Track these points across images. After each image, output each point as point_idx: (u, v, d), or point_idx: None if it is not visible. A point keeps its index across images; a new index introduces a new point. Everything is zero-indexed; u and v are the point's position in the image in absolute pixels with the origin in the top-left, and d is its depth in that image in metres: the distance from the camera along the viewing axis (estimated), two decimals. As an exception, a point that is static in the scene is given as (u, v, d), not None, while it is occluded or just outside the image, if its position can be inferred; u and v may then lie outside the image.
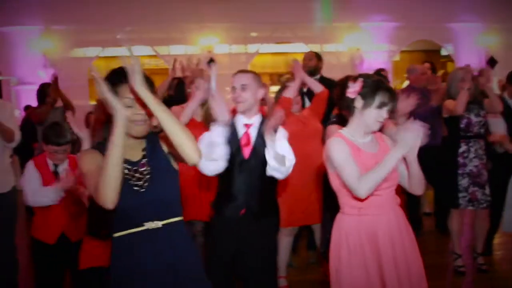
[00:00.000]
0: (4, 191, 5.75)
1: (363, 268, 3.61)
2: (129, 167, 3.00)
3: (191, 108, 5.13)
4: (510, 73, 7.07)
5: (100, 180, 2.74)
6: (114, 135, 2.76)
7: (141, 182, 3.01)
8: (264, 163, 4.23)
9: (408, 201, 8.12)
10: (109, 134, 2.81)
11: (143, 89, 2.79)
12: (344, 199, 3.70)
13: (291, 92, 5.66)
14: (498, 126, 6.66)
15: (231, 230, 4.31)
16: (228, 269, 4.42)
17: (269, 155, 4.17)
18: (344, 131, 3.73)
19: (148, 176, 3.03)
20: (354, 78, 3.67)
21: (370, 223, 3.62)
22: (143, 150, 3.08)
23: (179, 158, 3.04)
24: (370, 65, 13.53)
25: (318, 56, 7.72)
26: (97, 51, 13.81)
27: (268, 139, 4.15)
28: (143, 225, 2.99)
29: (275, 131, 4.19)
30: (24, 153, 8.02)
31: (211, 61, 13.42)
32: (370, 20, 14.52)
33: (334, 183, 3.71)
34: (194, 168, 3.72)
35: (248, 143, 4.34)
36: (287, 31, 14.34)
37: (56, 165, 5.08)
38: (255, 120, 4.42)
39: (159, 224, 3.02)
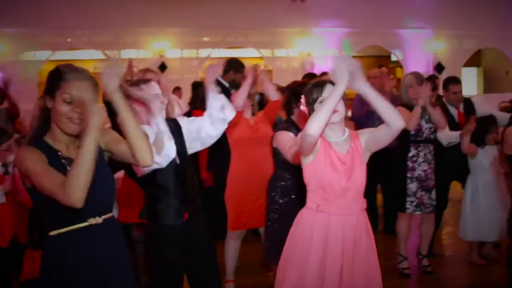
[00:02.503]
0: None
1: (305, 264, 3.66)
2: (69, 164, 3.02)
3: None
4: (445, 79, 7.28)
5: (70, 178, 2.78)
6: (91, 135, 2.83)
7: None
8: (189, 162, 4.33)
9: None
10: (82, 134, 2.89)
11: (118, 95, 2.93)
12: (309, 193, 3.76)
13: (241, 97, 5.65)
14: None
15: (174, 238, 4.22)
16: (178, 275, 4.42)
17: (215, 106, 4.24)
18: None
19: None
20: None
21: (324, 221, 3.65)
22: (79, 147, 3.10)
23: (128, 160, 3.14)
24: (321, 70, 13.66)
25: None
26: (48, 54, 13.69)
27: (211, 91, 4.26)
28: (86, 221, 3.03)
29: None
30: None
31: (162, 65, 13.47)
32: (321, 26, 14.69)
33: (305, 176, 3.76)
34: None
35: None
36: (239, 36, 14.41)
37: (4, 165, 5.01)
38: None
39: (99, 220, 3.07)
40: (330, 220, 3.65)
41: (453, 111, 7.16)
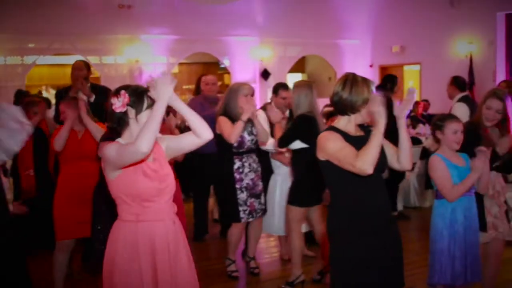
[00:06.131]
0: None
1: (137, 274, 3.64)
2: None
3: None
4: (275, 85, 7.47)
5: None
6: None
7: None
8: None
9: (195, 208, 8.38)
10: None
11: None
12: (122, 206, 3.70)
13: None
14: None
15: None
16: None
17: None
18: (121, 139, 3.71)
19: None
20: (115, 93, 3.70)
21: (147, 229, 3.65)
22: None
23: None
24: (149, 77, 13.63)
25: (87, 65, 7.67)
26: None
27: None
28: None
29: None
30: None
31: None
32: (149, 33, 14.70)
33: (114, 190, 3.69)
34: None
35: None
36: (65, 43, 14.12)
37: None
38: None
39: None
40: (153, 227, 3.67)
41: None
